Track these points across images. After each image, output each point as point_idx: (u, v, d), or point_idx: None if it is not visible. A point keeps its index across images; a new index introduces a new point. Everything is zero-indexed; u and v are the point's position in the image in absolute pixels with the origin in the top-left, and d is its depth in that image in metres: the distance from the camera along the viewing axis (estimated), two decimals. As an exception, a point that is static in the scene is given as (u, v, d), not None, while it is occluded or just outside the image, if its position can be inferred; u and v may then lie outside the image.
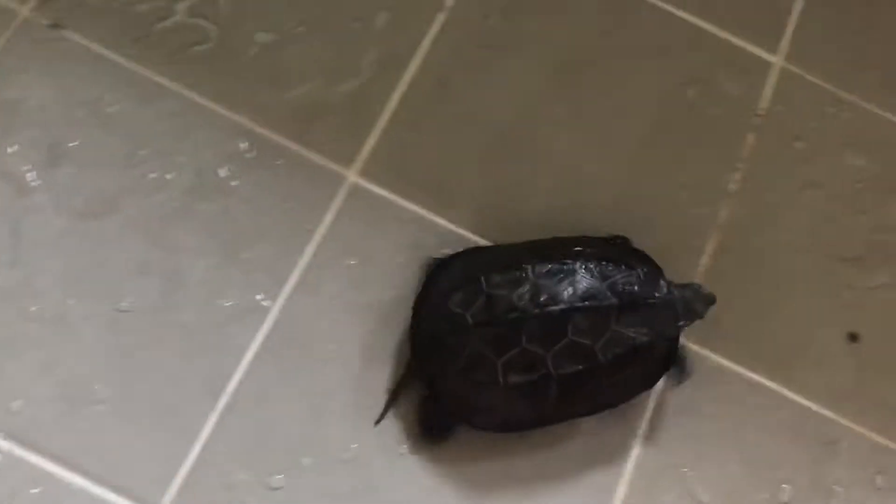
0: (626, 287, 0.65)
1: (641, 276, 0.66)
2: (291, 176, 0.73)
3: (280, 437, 0.66)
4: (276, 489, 0.65)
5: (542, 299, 0.63)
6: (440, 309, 0.66)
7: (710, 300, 0.69)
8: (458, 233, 0.73)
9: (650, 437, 0.70)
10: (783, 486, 0.71)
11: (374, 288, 0.71)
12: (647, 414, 0.71)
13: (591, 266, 0.65)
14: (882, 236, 0.79)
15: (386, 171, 0.74)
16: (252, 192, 0.72)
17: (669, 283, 0.67)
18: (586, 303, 0.63)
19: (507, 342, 0.63)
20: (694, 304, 0.68)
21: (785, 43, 0.85)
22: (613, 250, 0.70)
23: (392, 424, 0.67)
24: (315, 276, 0.70)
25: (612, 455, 0.69)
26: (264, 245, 0.70)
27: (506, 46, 0.81)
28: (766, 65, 0.84)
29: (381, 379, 0.68)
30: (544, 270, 0.64)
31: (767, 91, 0.83)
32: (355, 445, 0.67)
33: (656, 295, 0.66)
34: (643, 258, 0.70)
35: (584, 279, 0.64)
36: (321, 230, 0.72)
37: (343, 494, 0.65)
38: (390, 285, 0.71)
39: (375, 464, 0.66)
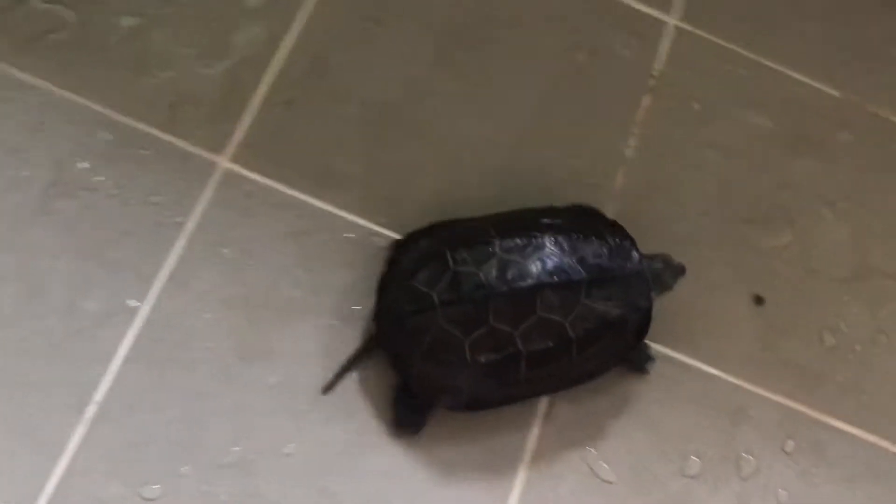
0: (596, 260, 0.63)
1: (612, 248, 0.65)
2: (159, 166, 0.68)
3: (154, 444, 0.62)
4: (152, 500, 0.61)
5: (509, 275, 0.61)
6: (405, 288, 0.63)
7: (679, 271, 0.68)
8: (342, 216, 0.70)
9: (550, 416, 0.68)
10: (691, 458, 0.68)
11: (252, 280, 0.67)
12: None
13: (560, 239, 0.63)
14: (785, 195, 0.77)
15: (261, 156, 0.70)
16: (117, 186, 0.67)
17: (640, 255, 0.66)
18: (555, 278, 0.62)
19: (475, 321, 0.61)
20: (664, 275, 0.67)
21: (679, 2, 0.82)
22: (583, 221, 0.68)
23: (273, 422, 0.64)
24: (187, 271, 0.66)
25: (512, 438, 0.66)
26: (131, 242, 0.66)
27: (388, 19, 0.77)
28: (661, 25, 0.80)
29: (262, 375, 0.65)
30: (512, 245, 0.63)
31: (662, 52, 0.79)
32: (237, 448, 0.63)
33: (627, 267, 0.64)
34: (613, 228, 0.68)
35: (552, 253, 0.62)
36: (192, 222, 0.67)
37: (224, 502, 0.61)
38: (269, 276, 0.67)
39: (258, 467, 0.62)
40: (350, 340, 0.66)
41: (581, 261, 0.63)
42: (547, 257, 0.62)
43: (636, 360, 0.69)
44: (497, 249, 0.62)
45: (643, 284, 0.65)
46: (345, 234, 0.69)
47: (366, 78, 0.74)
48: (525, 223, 0.66)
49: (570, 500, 0.66)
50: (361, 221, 0.70)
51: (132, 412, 0.62)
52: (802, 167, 0.78)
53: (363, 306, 0.67)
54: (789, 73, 0.81)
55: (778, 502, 0.69)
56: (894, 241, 0.77)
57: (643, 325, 0.66)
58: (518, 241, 0.63)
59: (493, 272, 0.62)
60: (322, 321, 0.67)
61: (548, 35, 0.78)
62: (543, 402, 0.68)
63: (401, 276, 0.65)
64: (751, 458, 0.69)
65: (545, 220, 0.66)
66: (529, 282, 0.61)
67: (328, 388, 0.65)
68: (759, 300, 0.73)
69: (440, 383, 0.63)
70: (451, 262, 0.62)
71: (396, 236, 0.69)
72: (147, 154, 0.68)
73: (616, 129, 0.77)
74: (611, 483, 0.67)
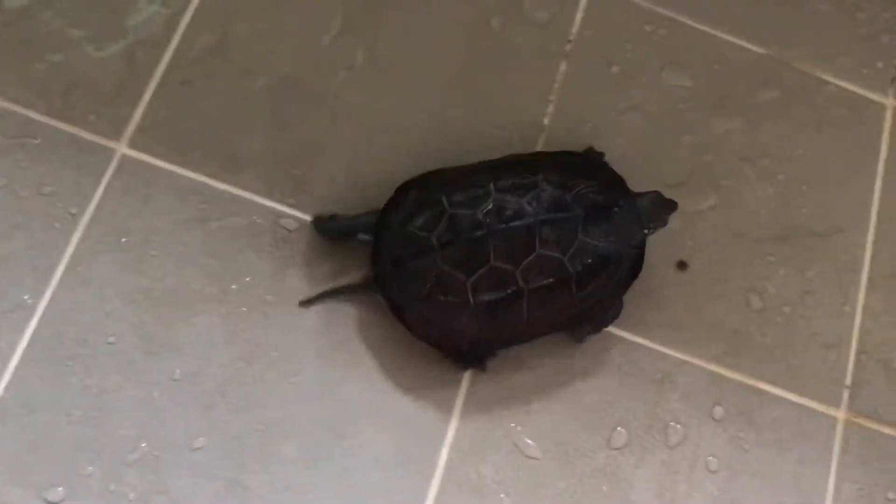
0: (591, 196, 0.63)
1: (604, 186, 0.65)
2: (51, 155, 0.65)
3: (57, 445, 0.60)
4: (56, 503, 0.59)
5: (507, 214, 0.61)
6: (402, 233, 0.62)
7: (672, 207, 0.67)
8: (249, 199, 0.67)
9: (472, 394, 0.66)
10: (618, 429, 0.67)
11: (155, 270, 0.64)
12: (467, 372, 0.67)
13: (553, 177, 0.63)
14: (707, 157, 0.75)
15: (161, 140, 0.67)
16: (5, 178, 0.64)
17: (632, 192, 0.66)
18: (552, 214, 0.61)
19: (475, 260, 0.61)
20: (657, 211, 0.67)
21: (596, -39, 0.80)
22: (573, 161, 0.68)
23: (181, 417, 0.62)
24: (85, 265, 0.63)
25: (432, 417, 0.65)
26: (24, 235, 0.63)
27: (293, -10, 0.75)
28: (577, -14, 0.79)
29: (168, 369, 0.62)
30: (506, 185, 0.62)
31: (578, 15, 0.77)
32: (144, 445, 0.61)
33: (620, 203, 0.64)
34: (602, 167, 0.68)
35: (547, 191, 0.62)
36: (88, 213, 0.64)
37: (133, 500, 0.60)
38: (172, 266, 0.64)
39: (167, 463, 0.60)
40: (258, 326, 0.65)
41: (576, 198, 0.63)
42: (542, 195, 0.62)
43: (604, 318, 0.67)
44: (492, 190, 0.62)
45: (637, 221, 0.65)
46: (252, 218, 0.67)
47: (270, 52, 0.71)
48: (516, 166, 0.65)
49: (494, 479, 0.65)
50: (269, 203, 0.67)
51: (32, 412, 0.60)
52: (725, 127, 0.76)
53: (273, 295, 0.66)
54: (710, 31, 0.78)
55: (707, 469, 0.68)
56: (821, 199, 0.76)
57: (637, 261, 0.66)
58: (512, 181, 0.63)
59: (491, 212, 0.61)
60: (229, 310, 0.64)
61: (460, 1, 0.76)
62: (465, 379, 0.67)
63: (397, 222, 0.63)
64: (678, 426, 0.68)
65: (536, 162, 0.65)
66: (527, 219, 0.61)
67: (306, 302, 0.65)
68: (682, 265, 0.72)
69: (442, 326, 0.62)
70: (446, 206, 0.62)
71: (306, 217, 0.67)
72: (38, 143, 0.65)
73: (534, 96, 0.74)
74: (536, 459, 0.66)
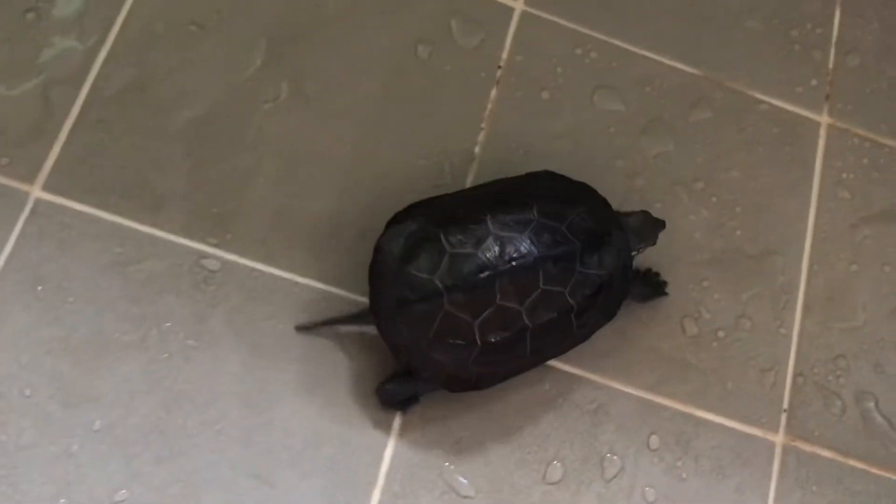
0: (583, 225, 0.63)
1: (592, 211, 0.65)
2: (-38, 202, 0.64)
3: (-30, 505, 0.59)
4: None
5: (510, 252, 0.61)
6: (404, 275, 0.61)
7: (661, 225, 0.68)
8: (169, 240, 0.65)
9: (403, 434, 0.65)
10: (554, 463, 0.66)
11: (72, 318, 0.62)
12: (398, 413, 0.66)
13: (546, 209, 0.63)
14: (639, 181, 0.74)
15: (77, 181, 0.65)
16: (-86, 226, 0.63)
17: (619, 213, 0.67)
18: (553, 250, 0.61)
19: (481, 301, 0.61)
20: (645, 231, 0.67)
21: (526, -16, 0.80)
22: (558, 187, 0.67)
23: (102, 469, 0.60)
24: (-2, 313, 0.63)
25: (363, 460, 0.63)
26: (-67, 287, 0.62)
27: (211, 22, 0.72)
28: (506, 11, 0.77)
29: (87, 420, 0.60)
30: (504, 221, 0.62)
31: (508, 40, 0.76)
32: (63, 501, 0.58)
33: (611, 229, 0.65)
34: (586, 190, 0.68)
35: (544, 224, 0.62)
36: (1, 259, 0.62)
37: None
38: (90, 312, 0.63)
39: (86, 518, 0.60)
40: (180, 372, 0.63)
41: (570, 228, 0.63)
42: (540, 229, 0.62)
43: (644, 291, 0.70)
44: (490, 226, 0.62)
45: (625, 244, 0.65)
46: (172, 260, 0.65)
47: (190, 86, 0.69)
48: (509, 195, 0.65)
49: (428, 520, 0.64)
50: (189, 244, 0.65)
51: (-57, 472, 0.59)
52: (657, 151, 0.76)
53: (195, 339, 0.64)
54: (641, 52, 0.78)
55: (645, 500, 0.67)
56: (755, 220, 0.76)
57: (626, 281, 0.66)
58: (509, 216, 0.62)
59: (494, 251, 0.61)
60: (150, 356, 0.63)
61: (386, 29, 0.74)
62: (396, 419, 0.66)
63: (396, 264, 0.62)
64: (615, 457, 0.68)
65: (527, 191, 0.65)
66: (530, 257, 0.61)
67: (302, 328, 0.65)
68: (618, 293, 0.73)
69: (448, 367, 0.62)
70: (445, 245, 0.61)
71: (229, 256, 0.66)
72: (-53, 189, 0.64)
73: (465, 124, 0.73)
74: (470, 498, 0.65)
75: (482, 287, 0.61)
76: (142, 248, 0.64)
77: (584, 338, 0.66)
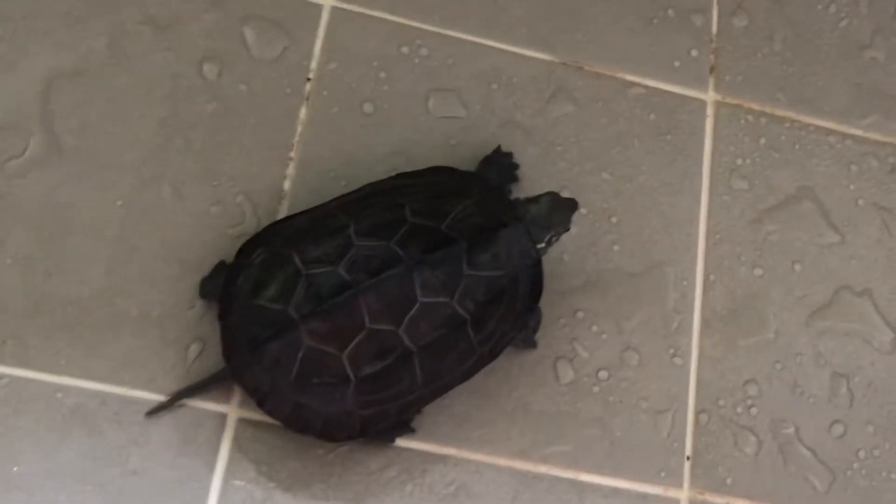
0: (470, 220, 0.54)
1: (482, 202, 0.55)
2: None
3: None
4: None
5: (375, 263, 0.52)
6: (252, 309, 0.52)
7: (572, 206, 0.58)
8: None
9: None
10: (409, 564, 0.56)
11: None
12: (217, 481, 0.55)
13: (421, 207, 0.54)
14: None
15: None
16: None
17: (517, 201, 0.57)
18: (428, 253, 0.52)
19: (348, 328, 0.51)
20: (554, 216, 0.57)
21: (339, -27, 0.66)
22: (439, 179, 0.57)
23: None
24: None
25: None
26: None
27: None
28: (312, 9, 0.63)
29: None
30: (368, 227, 0.53)
31: (316, 44, 0.62)
32: None
33: (504, 219, 0.55)
34: (473, 180, 0.58)
35: (419, 226, 0.53)
36: None
37: None
38: None
39: None
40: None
41: (453, 226, 0.53)
42: (413, 231, 0.53)
43: (527, 331, 0.57)
44: (352, 236, 0.52)
45: (528, 236, 0.55)
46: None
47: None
48: (375, 199, 0.55)
49: None
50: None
51: None
52: (522, 156, 0.63)
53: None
54: (482, 41, 0.64)
55: (526, 592, 0.57)
56: (635, 230, 0.63)
57: (536, 280, 0.56)
58: (374, 220, 0.53)
59: (355, 264, 0.51)
60: None
61: (159, 50, 0.60)
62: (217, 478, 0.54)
63: (244, 294, 0.52)
64: (482, 545, 0.57)
65: (397, 190, 0.56)
66: (400, 265, 0.51)
67: (154, 411, 0.53)
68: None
69: (321, 411, 0.51)
70: (299, 265, 0.52)
71: (-24, 363, 0.54)
72: None
73: (269, 156, 0.60)
74: None
75: (345, 310, 0.51)
76: None
77: (494, 355, 0.55)
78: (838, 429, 0.62)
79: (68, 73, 0.59)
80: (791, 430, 0.61)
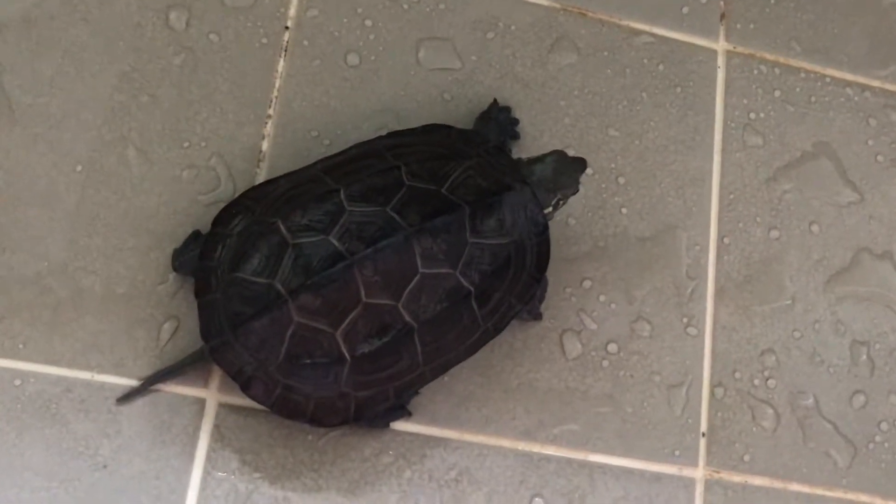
0: (472, 182, 0.49)
1: (484, 164, 0.50)
2: None
3: None
4: None
5: (371, 231, 0.47)
6: (234, 283, 0.47)
7: (580, 166, 0.53)
8: None
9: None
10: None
11: None
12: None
13: (418, 168, 0.49)
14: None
15: None
16: None
17: (521, 161, 0.52)
18: (429, 220, 0.47)
19: (341, 302, 0.46)
20: (561, 177, 0.52)
21: None
22: (436, 139, 0.52)
23: None
24: None
25: None
26: None
27: None
28: (290, -51, 0.59)
29: None
30: (361, 190, 0.48)
31: (295, -11, 0.58)
32: None
33: (508, 182, 0.50)
34: (473, 139, 0.52)
35: (417, 190, 0.48)
36: None
37: None
38: None
39: None
40: None
41: (454, 189, 0.49)
42: (410, 195, 0.48)
43: (532, 302, 0.52)
44: (343, 200, 0.47)
45: (534, 199, 0.51)
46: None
47: None
48: (365, 160, 0.50)
49: None
50: None
51: None
52: (522, 111, 0.58)
53: None
54: (475, -14, 0.61)
55: (534, 582, 0.53)
56: (644, 190, 0.58)
57: (543, 248, 0.51)
58: (366, 183, 0.48)
59: (348, 231, 0.47)
60: None
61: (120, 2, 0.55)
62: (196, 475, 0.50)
63: (222, 269, 0.48)
64: (489, 534, 0.53)
65: (389, 151, 0.51)
66: (399, 233, 0.47)
67: (124, 398, 0.49)
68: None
69: (316, 397, 0.46)
70: (286, 234, 0.47)
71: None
72: None
73: (244, 114, 0.54)
74: None
75: (339, 283, 0.46)
76: None
77: (499, 329, 0.51)
78: (859, 399, 0.59)
79: (17, 22, 0.52)
80: (810, 401, 0.58)
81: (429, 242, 0.48)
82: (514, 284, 0.50)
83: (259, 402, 0.48)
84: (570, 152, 0.57)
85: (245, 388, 0.47)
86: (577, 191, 0.53)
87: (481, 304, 0.49)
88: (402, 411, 0.51)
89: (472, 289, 0.48)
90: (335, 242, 0.47)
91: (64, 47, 0.53)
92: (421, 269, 0.47)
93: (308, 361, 0.47)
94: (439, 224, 0.48)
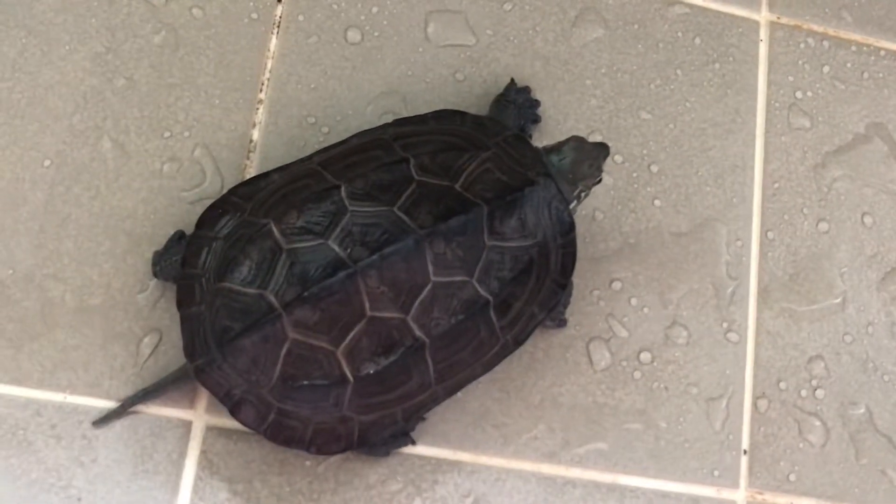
0: (489, 177, 0.45)
1: (502, 156, 0.45)
2: None
3: None
4: None
5: (376, 234, 0.42)
6: (220, 294, 0.42)
7: (601, 152, 0.48)
8: None
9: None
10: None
11: None
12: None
13: (429, 162, 0.44)
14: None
15: None
16: None
17: (540, 151, 0.47)
18: (442, 221, 0.43)
19: (344, 315, 0.42)
20: (581, 166, 0.47)
21: None
22: (447, 128, 0.47)
23: None
24: None
25: None
26: None
27: None
28: (282, -88, 0.53)
29: None
30: (363, 188, 0.44)
31: (288, -43, 0.53)
32: None
33: (529, 176, 0.45)
34: (490, 127, 0.47)
35: (426, 185, 0.44)
36: None
37: None
38: None
39: None
40: None
41: (469, 184, 0.44)
42: (421, 192, 0.44)
43: (558, 308, 0.48)
44: (344, 199, 0.43)
45: (557, 192, 0.46)
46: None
47: None
48: (369, 151, 0.45)
49: None
50: None
51: None
52: (543, 92, 0.52)
53: None
54: (491, -48, 0.55)
55: None
56: (679, 179, 0.53)
57: (569, 250, 0.46)
58: (370, 179, 0.44)
59: (350, 237, 0.42)
60: None
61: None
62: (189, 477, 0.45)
63: (209, 278, 0.43)
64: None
65: (396, 141, 0.45)
66: (408, 237, 0.42)
67: (101, 422, 0.44)
68: (492, 319, 0.51)
69: (315, 422, 0.43)
70: (280, 238, 0.42)
71: None
72: None
73: (232, 98, 0.48)
74: None
75: (340, 294, 0.42)
76: None
77: (520, 342, 0.46)
78: (917, 410, 0.54)
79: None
80: (863, 413, 0.52)
81: (442, 247, 0.43)
82: (536, 292, 0.45)
83: (250, 428, 0.43)
84: (598, 137, 0.52)
85: (234, 413, 0.43)
86: (601, 180, 0.48)
87: (500, 314, 0.44)
88: (406, 438, 0.46)
89: (490, 298, 0.44)
90: (335, 247, 0.42)
91: (29, 26, 0.48)
92: (433, 278, 0.43)
93: (305, 383, 0.42)
94: (454, 225, 0.43)
